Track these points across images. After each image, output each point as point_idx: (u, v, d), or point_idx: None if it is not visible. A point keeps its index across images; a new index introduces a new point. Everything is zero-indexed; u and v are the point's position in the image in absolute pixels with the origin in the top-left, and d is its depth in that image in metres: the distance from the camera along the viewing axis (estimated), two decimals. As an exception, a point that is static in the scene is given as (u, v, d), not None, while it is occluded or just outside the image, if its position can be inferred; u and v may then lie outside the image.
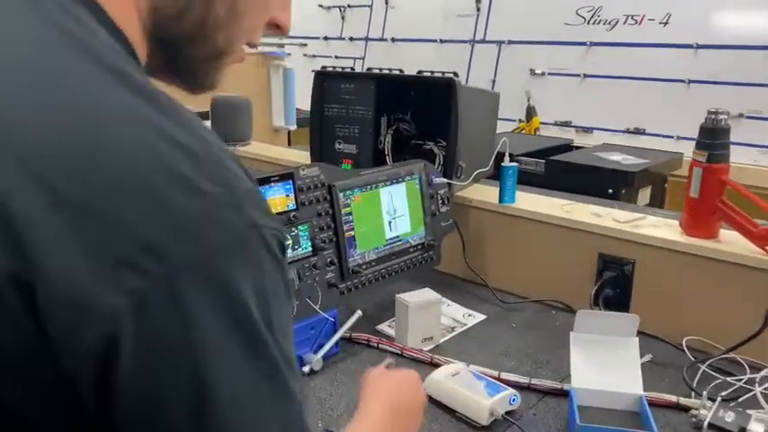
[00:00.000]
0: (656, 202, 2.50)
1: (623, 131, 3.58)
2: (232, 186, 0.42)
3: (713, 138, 1.31)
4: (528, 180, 1.81)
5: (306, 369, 1.20)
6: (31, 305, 0.36)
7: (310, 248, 1.23)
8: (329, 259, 1.28)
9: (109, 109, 0.40)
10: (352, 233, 1.33)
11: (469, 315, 1.48)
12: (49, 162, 0.37)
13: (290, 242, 1.19)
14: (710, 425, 0.98)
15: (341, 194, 1.31)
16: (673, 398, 1.13)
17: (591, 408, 1.08)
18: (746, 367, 1.23)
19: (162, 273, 0.37)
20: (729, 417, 0.99)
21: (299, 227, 1.21)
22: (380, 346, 1.32)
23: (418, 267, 1.47)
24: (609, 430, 0.97)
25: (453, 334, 1.40)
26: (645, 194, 2.59)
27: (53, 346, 0.36)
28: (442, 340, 1.36)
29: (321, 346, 1.24)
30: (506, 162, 1.56)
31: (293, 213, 1.20)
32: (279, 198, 1.18)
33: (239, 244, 0.40)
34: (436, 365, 1.25)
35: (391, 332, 1.38)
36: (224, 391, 0.39)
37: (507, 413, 1.09)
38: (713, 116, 1.30)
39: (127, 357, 0.37)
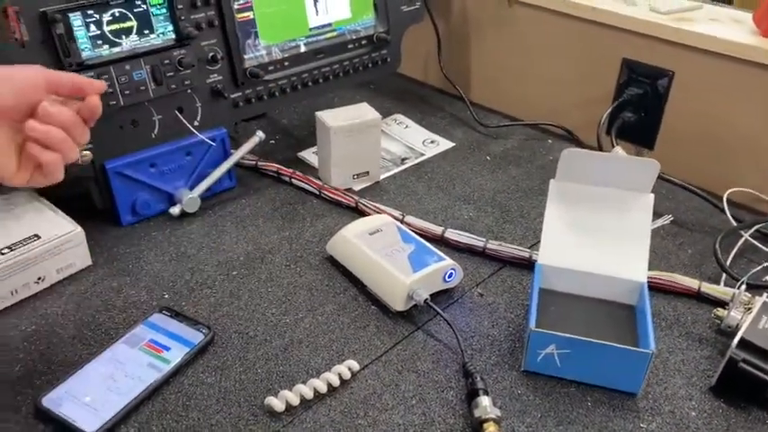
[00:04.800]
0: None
1: None
2: None
3: None
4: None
5: (174, 211, 0.86)
6: None
7: (173, 35, 0.81)
8: (211, 54, 0.86)
9: None
10: (249, 15, 0.89)
11: (432, 142, 1.09)
12: None
13: (132, 24, 0.77)
14: (743, 342, 0.61)
15: (228, -47, 0.85)
16: (693, 283, 0.76)
17: (564, 295, 0.72)
18: (813, 238, 0.84)
19: None
20: (777, 329, 0.63)
21: (150, 0, 0.78)
22: (293, 180, 0.95)
23: (363, 72, 1.05)
24: (576, 341, 0.62)
25: (402, 168, 1.01)
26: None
27: None
28: (383, 176, 0.99)
29: (203, 179, 0.89)
30: None
31: (136, -22, 0.76)
32: (108, -49, 0.74)
33: None
34: (362, 214, 0.89)
35: (316, 162, 1.01)
36: None
37: (442, 293, 0.74)
38: None
39: None
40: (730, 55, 0.89)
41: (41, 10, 0.72)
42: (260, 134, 0.91)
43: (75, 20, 0.74)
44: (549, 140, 1.10)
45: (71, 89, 0.58)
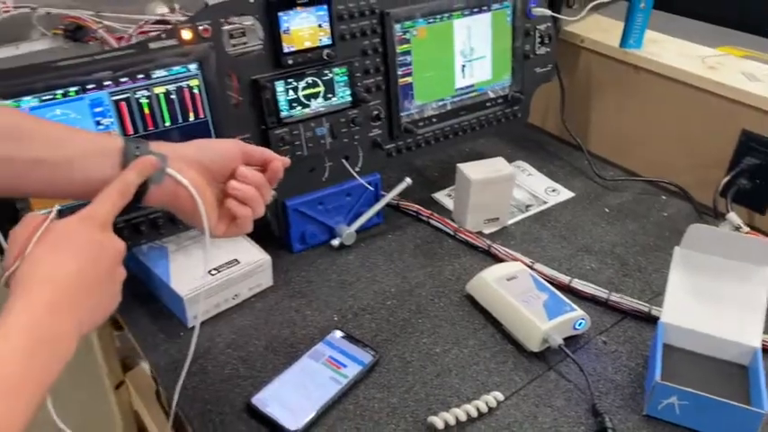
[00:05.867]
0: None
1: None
2: None
3: None
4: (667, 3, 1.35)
5: (335, 243, 1.01)
6: None
7: (349, 98, 0.96)
8: (375, 113, 1.01)
9: None
10: (408, 80, 1.03)
11: (553, 191, 1.20)
12: None
13: (320, 89, 0.93)
14: None
15: (397, 26, 1.00)
16: (801, 349, 0.84)
17: (682, 351, 0.82)
18: None
19: None
20: None
21: (335, 69, 0.94)
22: (431, 221, 1.09)
23: (497, 126, 1.17)
24: (697, 396, 0.72)
25: (527, 215, 1.13)
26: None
27: None
28: (510, 222, 1.11)
29: (358, 216, 1.03)
30: (637, -11, 1.15)
31: (327, 51, 0.91)
32: (308, 29, 0.89)
33: None
34: (494, 257, 1.01)
35: (450, 203, 1.14)
36: None
37: (570, 338, 0.85)
38: None
39: None
40: None
41: (253, 78, 0.88)
42: (408, 180, 1.05)
43: (279, 86, 0.90)
44: (663, 197, 1.19)
45: (260, 160, 0.69)
